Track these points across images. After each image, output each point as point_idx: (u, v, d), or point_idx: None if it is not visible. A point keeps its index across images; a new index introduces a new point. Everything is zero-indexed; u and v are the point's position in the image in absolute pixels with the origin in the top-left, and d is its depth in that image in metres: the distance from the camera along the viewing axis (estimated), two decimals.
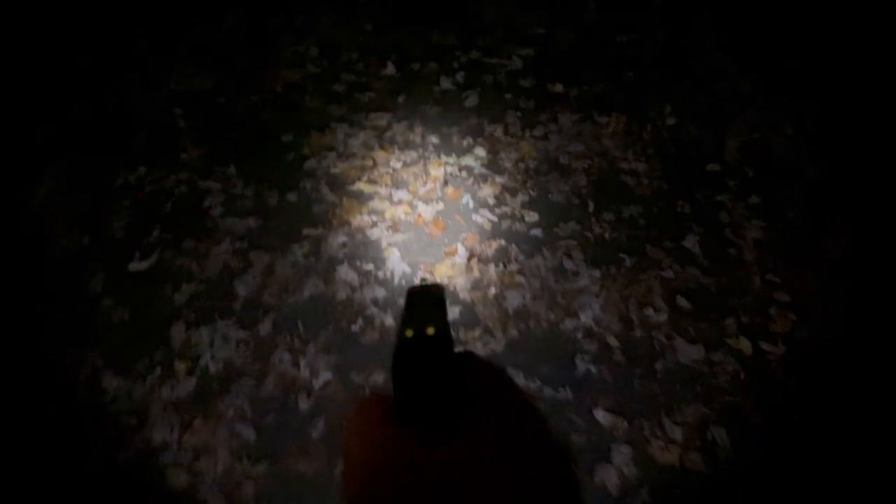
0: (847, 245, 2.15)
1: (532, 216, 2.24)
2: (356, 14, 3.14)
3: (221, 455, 1.68)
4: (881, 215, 2.22)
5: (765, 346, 1.89)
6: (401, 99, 2.69)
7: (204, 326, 1.94)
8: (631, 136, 2.54)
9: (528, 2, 3.20)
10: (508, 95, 2.71)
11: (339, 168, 2.42)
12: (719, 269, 2.08)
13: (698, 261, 2.09)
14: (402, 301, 0.43)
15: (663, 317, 1.94)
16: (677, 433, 1.70)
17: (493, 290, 2.02)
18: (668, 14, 3.12)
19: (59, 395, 1.82)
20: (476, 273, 2.08)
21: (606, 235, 2.18)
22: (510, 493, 0.29)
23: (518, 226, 2.22)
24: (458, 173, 2.39)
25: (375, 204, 2.29)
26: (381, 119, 2.60)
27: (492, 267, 2.09)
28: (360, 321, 1.95)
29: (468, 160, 2.44)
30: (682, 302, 1.97)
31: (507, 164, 2.42)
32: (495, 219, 2.24)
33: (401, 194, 2.31)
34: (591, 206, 2.26)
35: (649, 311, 1.95)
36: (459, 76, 2.79)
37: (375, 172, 2.39)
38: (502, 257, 2.12)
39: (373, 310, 1.98)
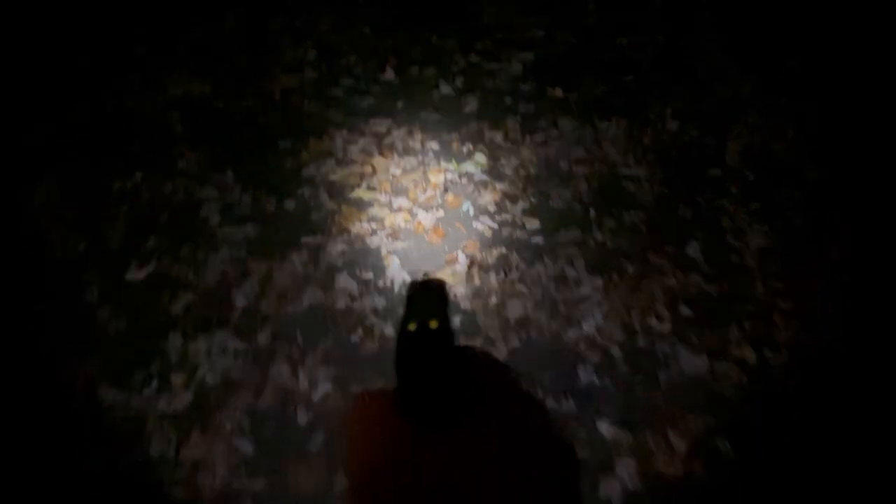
0: (850, 250, 2.13)
1: (533, 223, 2.21)
2: (355, 15, 3.11)
3: (219, 469, 1.66)
4: (884, 218, 2.20)
5: (768, 354, 1.87)
6: (400, 104, 2.66)
7: (201, 337, 1.91)
8: (631, 140, 2.52)
9: (527, 3, 3.17)
10: (508, 100, 2.69)
11: (337, 175, 2.39)
12: (722, 275, 2.06)
13: (700, 267, 2.07)
14: (401, 311, 0.42)
15: (666, 325, 1.91)
16: (682, 445, 1.67)
17: (494, 300, 2.00)
18: (667, 15, 3.10)
19: (56, 405, 1.80)
20: (477, 281, 2.05)
21: (608, 242, 2.16)
22: (511, 482, 0.30)
23: (519, 233, 2.19)
24: (458, 180, 2.37)
25: (375, 211, 2.26)
26: (381, 125, 2.57)
27: (492, 275, 2.06)
28: (359, 331, 1.93)
29: (468, 166, 2.41)
30: (684, 310, 1.95)
31: (508, 171, 2.40)
32: (496, 226, 2.22)
33: (400, 201, 2.29)
34: (593, 213, 2.24)
35: (652, 320, 1.93)
36: (459, 81, 2.76)
37: (375, 179, 2.37)
38: (503, 265, 2.09)
39: (372, 319, 1.96)
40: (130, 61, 2.89)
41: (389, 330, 1.94)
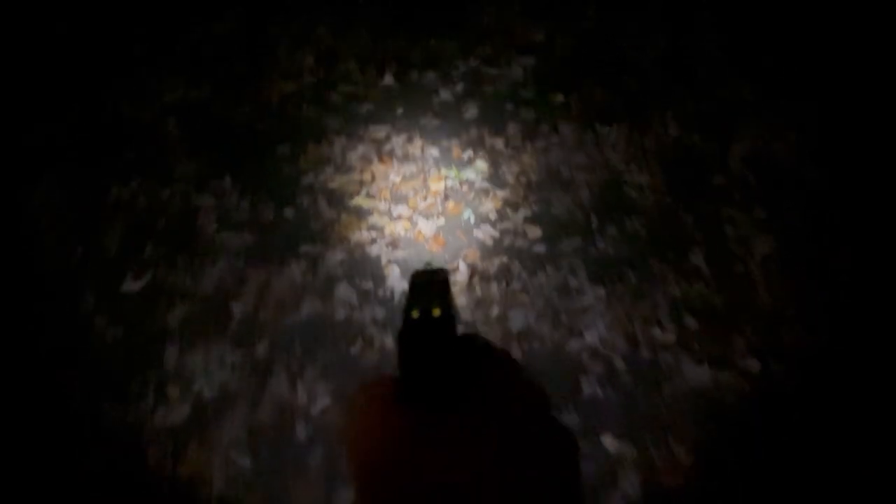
0: (856, 258, 2.11)
1: (535, 231, 2.19)
2: (354, 17, 3.08)
3: (217, 483, 1.63)
4: (891, 226, 2.18)
5: (774, 364, 1.85)
6: (399, 110, 2.64)
7: (198, 348, 1.89)
8: (633, 146, 2.50)
9: (527, 7, 3.15)
10: (509, 106, 2.66)
11: (336, 182, 2.36)
12: (726, 285, 2.03)
13: (704, 277, 2.05)
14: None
15: (670, 336, 1.89)
16: (687, 458, 1.65)
17: (496, 310, 1.97)
18: (668, 17, 3.08)
19: (55, 406, 1.77)
20: (478, 291, 2.03)
21: (610, 250, 2.14)
22: (513, 478, 0.29)
23: (520, 241, 2.17)
24: (458, 187, 2.34)
25: (374, 219, 2.24)
26: (380, 131, 2.55)
27: (494, 285, 2.04)
28: (359, 342, 1.90)
29: (469, 173, 2.39)
30: (688, 320, 1.93)
31: (509, 178, 2.37)
32: (497, 234, 2.19)
33: (400, 209, 2.26)
34: (595, 221, 2.22)
35: (655, 330, 1.90)
36: (459, 86, 2.74)
37: (374, 187, 2.34)
38: (505, 275, 2.07)
39: (372, 330, 1.94)
40: (126, 65, 2.87)
41: (390, 341, 1.91)
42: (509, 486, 0.29)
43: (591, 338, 1.89)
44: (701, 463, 1.64)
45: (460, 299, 1.99)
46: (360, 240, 2.18)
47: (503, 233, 2.20)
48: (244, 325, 1.94)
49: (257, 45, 2.98)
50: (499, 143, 2.51)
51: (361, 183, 2.36)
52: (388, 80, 2.78)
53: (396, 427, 0.31)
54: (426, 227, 2.21)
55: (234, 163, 2.44)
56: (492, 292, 2.03)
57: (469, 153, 2.47)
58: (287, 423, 1.73)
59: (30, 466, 1.65)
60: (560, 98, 2.70)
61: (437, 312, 0.34)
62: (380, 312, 1.98)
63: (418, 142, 2.51)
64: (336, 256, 2.12)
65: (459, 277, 2.06)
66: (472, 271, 2.08)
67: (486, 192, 2.33)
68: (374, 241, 2.17)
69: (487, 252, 2.14)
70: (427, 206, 2.28)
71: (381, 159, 2.45)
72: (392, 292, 2.03)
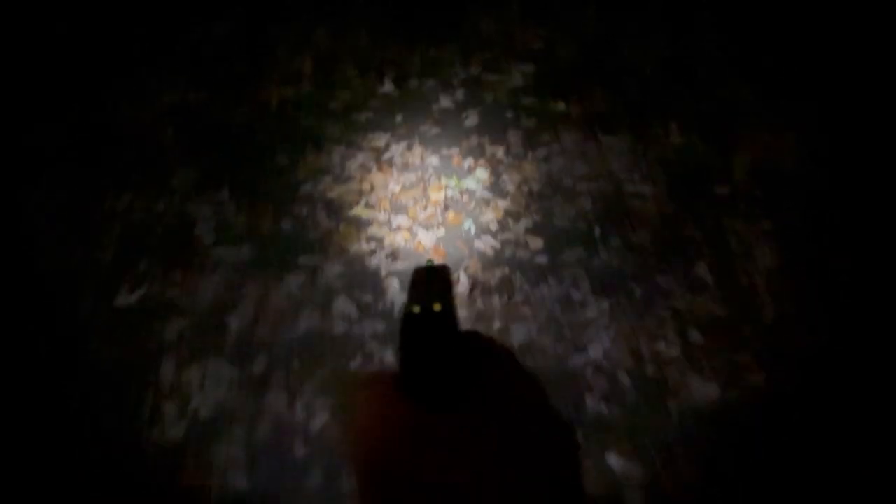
0: (864, 270, 2.08)
1: (536, 242, 2.16)
2: (353, 23, 3.04)
3: None
4: None
5: (781, 380, 1.81)
6: (399, 118, 2.60)
7: (194, 364, 1.85)
8: (636, 155, 2.46)
9: (527, 12, 3.12)
10: (510, 114, 2.63)
11: (335, 192, 2.33)
12: (731, 298, 2.00)
13: (710, 290, 2.02)
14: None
15: (675, 351, 1.86)
16: (694, 477, 1.62)
17: (497, 323, 1.94)
18: (669, 21, 3.05)
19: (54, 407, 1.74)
20: (479, 304, 1.99)
21: (614, 262, 2.10)
22: (513, 477, 0.29)
23: (522, 253, 2.13)
24: (459, 197, 2.31)
25: (374, 230, 2.20)
26: (379, 139, 2.51)
27: (496, 298, 2.01)
28: (358, 358, 1.87)
29: (469, 183, 2.35)
30: (694, 335, 1.89)
31: (510, 187, 2.34)
32: (498, 245, 2.16)
33: (400, 220, 2.23)
34: (598, 232, 2.18)
35: (661, 345, 1.87)
36: (459, 94, 2.70)
37: (373, 196, 2.31)
38: (506, 287, 2.03)
39: (372, 345, 1.90)
40: (123, 67, 2.83)
41: (390, 356, 1.88)
42: (509, 485, 0.29)
43: (594, 352, 1.86)
44: (709, 482, 1.60)
45: (461, 312, 1.96)
46: (359, 251, 2.14)
47: (504, 243, 2.16)
48: (241, 341, 1.90)
49: (256, 47, 2.94)
50: (499, 151, 2.47)
51: (360, 192, 2.33)
52: (388, 86, 2.75)
53: (397, 426, 0.31)
54: (426, 238, 2.17)
55: (232, 172, 2.40)
56: (493, 305, 1.99)
57: (469, 161, 2.43)
58: (285, 441, 1.69)
59: (21, 478, 1.61)
60: (561, 105, 2.67)
61: (437, 308, 0.34)
62: (380, 326, 1.94)
63: (418, 150, 2.48)
64: (335, 268, 2.09)
65: (460, 289, 2.03)
66: (473, 283, 2.04)
67: (486, 201, 2.30)
68: (373, 252, 2.13)
69: (488, 263, 2.10)
70: (427, 216, 2.25)
71: (380, 168, 2.41)
72: (392, 305, 1.99)
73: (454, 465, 0.29)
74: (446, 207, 2.27)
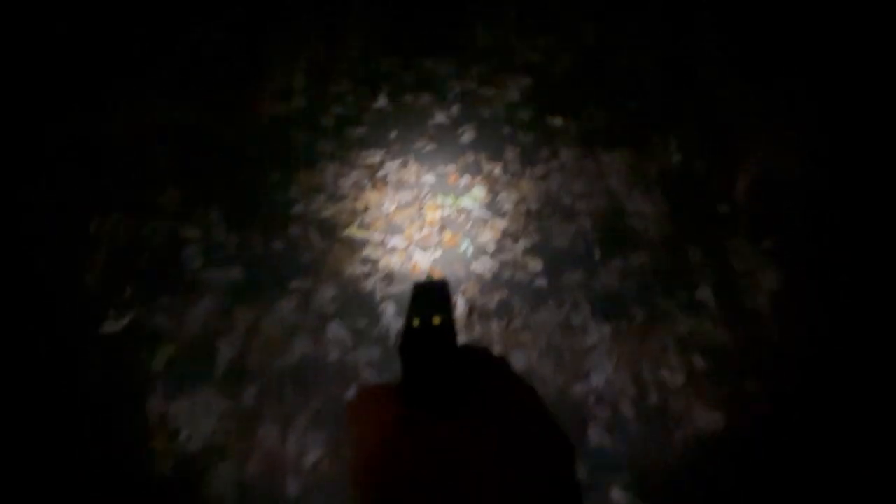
0: (868, 289, 2.04)
1: (535, 264, 2.11)
2: (344, 33, 2.98)
3: None
4: None
5: (788, 408, 1.77)
6: (393, 134, 2.54)
7: (183, 396, 1.78)
8: (636, 173, 2.42)
9: (523, 26, 3.07)
10: (506, 129, 2.58)
11: (329, 211, 2.27)
12: (735, 322, 1.96)
13: (713, 314, 1.97)
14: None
15: (679, 379, 1.81)
16: None
17: (496, 350, 1.88)
18: (669, 22, 3.01)
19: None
20: (477, 329, 1.94)
21: (615, 285, 2.06)
22: (511, 481, 0.29)
23: (520, 275, 2.08)
24: (455, 216, 2.26)
25: (368, 251, 2.14)
26: (374, 156, 2.46)
27: (494, 323, 1.95)
28: (353, 387, 1.81)
29: (466, 201, 2.30)
30: (698, 362, 1.85)
31: (508, 206, 2.29)
32: (496, 267, 2.11)
33: (395, 241, 2.17)
34: (598, 253, 2.14)
35: (664, 373, 1.82)
36: (454, 109, 2.65)
37: (368, 216, 2.25)
38: (505, 311, 1.98)
39: (367, 373, 1.84)
40: (105, 89, 2.75)
41: None
42: (508, 489, 0.29)
43: (597, 380, 1.81)
44: None
45: (459, 338, 1.90)
46: (353, 274, 2.08)
47: (502, 265, 2.11)
48: (231, 370, 1.83)
49: (246, 62, 2.87)
50: (496, 168, 2.42)
51: (354, 212, 2.27)
52: (382, 101, 2.69)
53: (398, 432, 0.31)
54: (422, 260, 2.12)
55: (222, 192, 2.33)
56: (492, 330, 1.94)
57: (466, 179, 2.38)
58: (277, 477, 1.63)
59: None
60: (559, 121, 2.62)
61: (437, 321, 0.34)
62: (375, 353, 1.89)
63: (413, 167, 2.42)
64: (328, 292, 2.03)
65: (458, 314, 1.97)
66: (471, 307, 1.99)
67: (484, 221, 2.25)
68: (368, 275, 2.08)
69: (486, 286, 2.05)
70: (423, 236, 2.19)
71: (374, 186, 2.36)
72: (388, 331, 1.93)
73: (454, 471, 0.29)
74: (443, 227, 2.22)
